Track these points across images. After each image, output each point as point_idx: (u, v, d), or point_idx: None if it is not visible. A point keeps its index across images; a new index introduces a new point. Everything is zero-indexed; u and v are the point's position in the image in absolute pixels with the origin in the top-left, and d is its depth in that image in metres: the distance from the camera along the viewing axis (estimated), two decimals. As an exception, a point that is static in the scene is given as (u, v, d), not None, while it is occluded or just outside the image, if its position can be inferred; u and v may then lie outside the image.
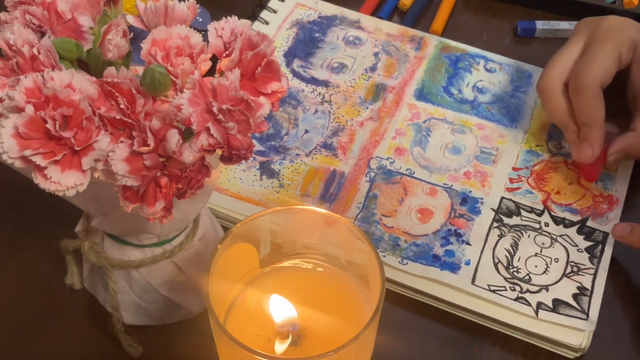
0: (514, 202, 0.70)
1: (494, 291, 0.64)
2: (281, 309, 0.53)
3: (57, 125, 0.42)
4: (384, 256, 0.66)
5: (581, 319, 0.63)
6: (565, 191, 0.71)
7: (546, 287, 0.64)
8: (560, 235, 0.68)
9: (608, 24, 0.70)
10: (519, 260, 0.66)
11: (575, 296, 0.64)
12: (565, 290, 0.64)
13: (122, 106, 0.44)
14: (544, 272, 0.66)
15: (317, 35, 0.83)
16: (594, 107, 0.67)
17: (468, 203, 0.70)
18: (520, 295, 0.64)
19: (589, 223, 0.69)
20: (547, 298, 0.64)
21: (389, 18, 0.87)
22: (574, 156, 0.70)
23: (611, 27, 0.70)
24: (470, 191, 0.71)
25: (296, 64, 0.80)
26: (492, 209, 0.70)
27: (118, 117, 0.43)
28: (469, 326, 0.64)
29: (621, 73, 0.70)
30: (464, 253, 0.66)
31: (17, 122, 0.42)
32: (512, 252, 0.67)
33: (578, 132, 0.69)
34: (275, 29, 0.83)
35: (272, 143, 0.74)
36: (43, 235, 0.68)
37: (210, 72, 0.47)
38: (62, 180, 0.43)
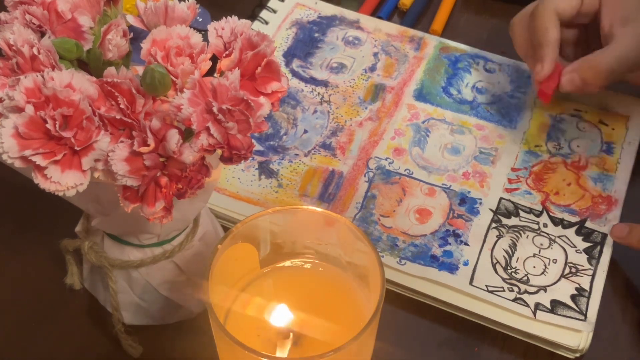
0: (513, 202, 0.70)
1: (492, 292, 0.64)
2: (280, 316, 0.53)
3: (57, 125, 0.42)
4: (382, 256, 0.66)
5: (579, 320, 0.63)
6: (564, 192, 0.71)
7: (544, 288, 0.65)
8: (558, 236, 0.68)
9: None
10: (517, 261, 0.66)
11: (573, 297, 0.64)
12: (564, 291, 0.64)
13: (122, 106, 0.44)
14: (542, 272, 0.66)
15: (316, 35, 0.83)
16: (545, 27, 0.70)
17: (467, 203, 0.70)
18: (518, 296, 0.64)
19: (588, 224, 0.69)
20: (545, 299, 0.64)
21: (389, 18, 0.87)
22: (532, 77, 0.73)
23: None
24: (469, 192, 0.71)
25: (295, 63, 0.80)
26: (491, 210, 0.70)
27: (118, 117, 0.43)
28: (468, 326, 0.64)
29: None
30: (462, 253, 0.66)
31: (17, 122, 0.42)
32: (511, 253, 0.67)
33: (535, 56, 0.72)
34: (275, 28, 0.83)
35: (271, 143, 0.74)
36: (43, 235, 0.68)
37: (210, 72, 0.47)
38: (62, 180, 0.43)
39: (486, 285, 0.64)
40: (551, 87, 0.70)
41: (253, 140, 0.45)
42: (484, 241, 0.67)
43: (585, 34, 0.74)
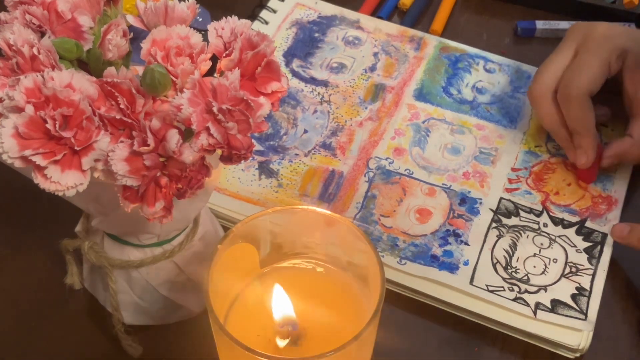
0: (513, 202, 0.70)
1: (492, 291, 0.64)
2: (281, 304, 0.53)
3: (57, 125, 0.42)
4: (383, 256, 0.66)
5: (579, 319, 0.63)
6: (564, 192, 0.71)
7: (545, 288, 0.65)
8: (559, 236, 0.68)
9: (599, 32, 0.71)
10: (517, 261, 0.66)
11: (573, 296, 0.64)
12: (564, 291, 0.64)
13: (122, 106, 0.44)
14: (543, 272, 0.66)
15: (316, 35, 0.83)
16: (583, 116, 0.69)
17: (467, 203, 0.70)
18: (518, 295, 0.64)
19: (588, 224, 0.69)
20: (545, 298, 0.64)
21: (389, 18, 0.87)
22: (571, 159, 0.71)
23: (602, 35, 0.70)
24: (469, 192, 0.71)
25: (295, 63, 0.80)
26: (491, 210, 0.70)
27: (118, 117, 0.43)
28: (468, 326, 0.64)
29: (616, 78, 0.71)
30: (463, 253, 0.66)
31: (17, 122, 0.42)
32: (511, 253, 0.67)
33: (569, 137, 0.71)
34: (275, 28, 0.83)
35: (271, 143, 0.74)
36: (43, 235, 0.68)
37: (210, 72, 0.47)
38: (62, 180, 0.43)
39: (486, 285, 0.64)
40: (595, 171, 0.71)
41: (253, 140, 0.45)
42: (484, 241, 0.67)
43: None
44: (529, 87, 0.72)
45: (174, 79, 0.45)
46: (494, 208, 0.70)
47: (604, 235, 0.68)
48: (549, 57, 0.72)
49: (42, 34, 0.47)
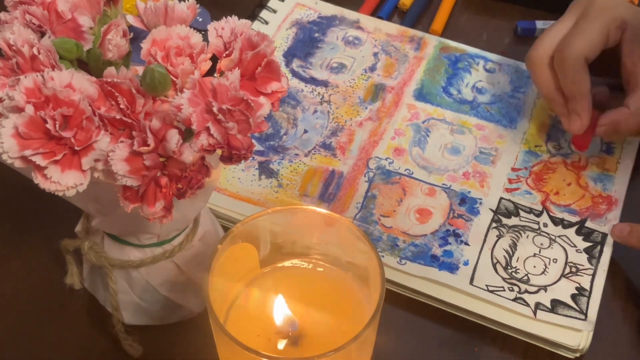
0: (513, 202, 0.70)
1: (492, 291, 0.64)
2: (280, 316, 0.53)
3: (57, 125, 0.42)
4: (383, 256, 0.66)
5: (579, 319, 0.63)
6: (564, 192, 0.71)
7: (544, 288, 0.65)
8: (559, 236, 0.68)
9: (600, 2, 0.71)
10: (517, 261, 0.66)
11: (573, 297, 0.64)
12: (564, 291, 0.64)
13: (122, 106, 0.44)
14: (543, 272, 0.66)
15: (316, 35, 0.83)
16: (578, 80, 0.69)
17: (467, 203, 0.70)
18: (518, 295, 0.64)
19: (588, 224, 0.69)
20: (545, 298, 0.64)
21: (389, 18, 0.87)
22: (565, 126, 0.71)
23: (603, 4, 0.71)
24: (469, 192, 0.71)
25: (295, 63, 0.80)
26: (491, 210, 0.70)
27: (118, 117, 0.43)
28: (468, 326, 0.64)
29: (615, 50, 0.71)
30: (463, 253, 0.66)
31: (17, 122, 0.42)
32: (511, 253, 0.67)
33: (564, 103, 0.71)
34: (275, 28, 0.83)
35: (271, 143, 0.74)
36: (43, 235, 0.68)
37: (210, 72, 0.47)
38: (62, 180, 0.43)
39: (486, 285, 0.64)
40: (588, 138, 0.71)
41: (253, 140, 0.45)
42: (484, 241, 0.67)
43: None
44: (527, 53, 0.73)
45: (174, 79, 0.45)
46: (494, 208, 0.70)
47: (604, 235, 0.68)
48: (550, 26, 0.73)
49: (42, 34, 0.47)
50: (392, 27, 0.84)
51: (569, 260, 0.66)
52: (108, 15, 0.51)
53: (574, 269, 0.66)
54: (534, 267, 0.66)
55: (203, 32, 0.47)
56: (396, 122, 0.76)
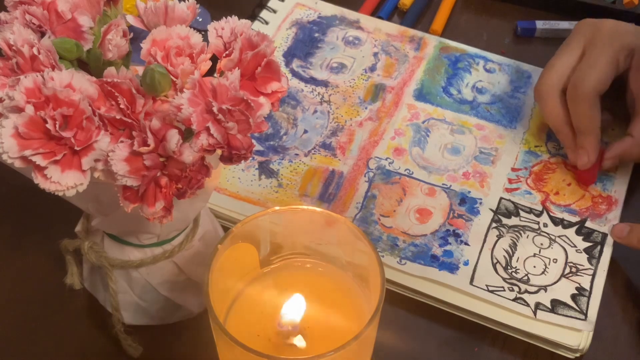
0: (513, 202, 0.70)
1: (492, 291, 0.64)
2: (282, 310, 0.53)
3: (57, 125, 0.42)
4: (383, 256, 0.66)
5: (579, 319, 0.63)
6: (564, 192, 0.71)
7: (545, 288, 0.65)
8: (559, 236, 0.68)
9: (608, 29, 0.70)
10: (517, 261, 0.66)
11: (573, 297, 0.64)
12: (564, 291, 0.64)
13: (122, 106, 0.44)
14: (543, 272, 0.66)
15: (316, 35, 0.83)
16: (590, 116, 0.68)
17: (467, 203, 0.70)
18: (518, 295, 0.64)
19: (588, 224, 0.69)
20: (545, 298, 0.64)
21: (389, 18, 0.87)
22: (571, 160, 0.71)
23: (611, 32, 0.70)
24: (469, 192, 0.71)
25: (295, 63, 0.80)
26: (491, 210, 0.70)
27: (118, 117, 0.43)
28: (468, 326, 0.64)
29: (622, 76, 0.71)
30: (463, 253, 0.66)
31: (17, 122, 0.42)
32: (511, 253, 0.67)
33: (573, 137, 0.70)
34: (275, 28, 0.83)
35: (271, 143, 0.74)
36: (43, 235, 0.68)
37: (210, 72, 0.47)
38: (62, 180, 0.43)
39: (486, 285, 0.64)
40: (594, 173, 0.71)
41: (253, 140, 0.45)
42: (484, 241, 0.67)
43: None
44: (536, 84, 0.72)
45: (174, 79, 0.45)
46: (494, 208, 0.70)
47: (604, 235, 0.68)
48: (556, 54, 0.72)
49: (42, 34, 0.47)
50: (392, 27, 0.84)
51: (569, 260, 0.66)
52: (108, 15, 0.51)
53: (574, 269, 0.66)
54: (534, 267, 0.66)
55: (203, 32, 0.47)
56: (396, 122, 0.76)
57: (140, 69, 0.47)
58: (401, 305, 0.65)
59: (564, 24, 0.85)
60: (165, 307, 0.61)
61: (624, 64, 0.70)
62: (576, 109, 0.69)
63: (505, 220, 0.69)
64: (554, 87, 0.70)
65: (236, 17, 0.48)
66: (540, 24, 0.85)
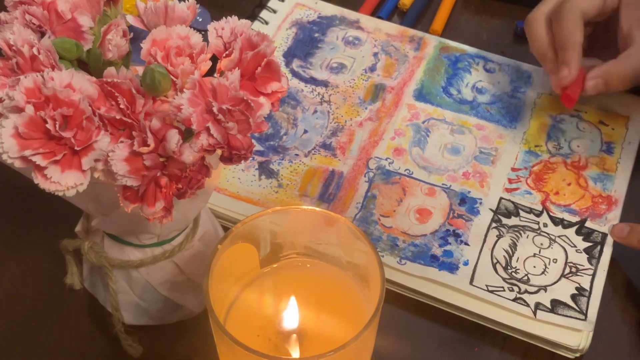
0: (513, 202, 0.70)
1: (492, 291, 0.64)
2: (282, 310, 0.53)
3: (57, 125, 0.42)
4: (383, 256, 0.66)
5: (579, 319, 0.63)
6: (564, 192, 0.71)
7: (544, 288, 0.65)
8: (559, 236, 0.68)
9: None
10: (517, 261, 0.66)
11: (573, 297, 0.64)
12: (564, 291, 0.64)
13: (122, 106, 0.44)
14: (543, 272, 0.66)
15: (316, 35, 0.83)
16: (572, 30, 0.69)
17: (467, 203, 0.70)
18: (518, 295, 0.64)
19: (588, 224, 0.69)
20: (545, 298, 0.64)
21: (389, 18, 0.87)
22: (553, 83, 0.72)
23: None
24: (469, 192, 0.71)
25: (295, 64, 0.80)
26: (491, 210, 0.70)
27: (118, 117, 0.43)
28: (468, 326, 0.64)
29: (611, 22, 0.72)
30: (463, 253, 0.66)
31: (17, 122, 0.42)
32: (511, 253, 0.67)
33: (555, 60, 0.71)
34: (275, 28, 0.83)
35: (271, 143, 0.74)
36: (43, 235, 0.68)
37: (210, 72, 0.47)
38: (62, 180, 0.43)
39: (486, 285, 0.64)
40: (577, 92, 0.71)
41: (253, 140, 0.45)
42: (484, 241, 0.67)
43: (594, 29, 0.74)
44: (527, 16, 0.73)
45: (174, 79, 0.45)
46: (494, 208, 0.70)
47: (604, 235, 0.68)
48: None
49: (42, 34, 0.47)
50: (392, 27, 0.84)
51: (569, 260, 0.66)
52: (108, 15, 0.51)
53: (574, 269, 0.66)
54: (534, 267, 0.66)
55: (203, 32, 0.47)
56: (396, 122, 0.76)
57: (140, 69, 0.47)
58: (401, 305, 0.65)
59: (564, 24, 0.85)
60: (165, 307, 0.61)
61: (611, 1, 0.71)
62: (559, 25, 0.70)
63: (505, 220, 0.69)
64: (543, 13, 0.72)
65: (236, 17, 0.48)
66: (540, 24, 0.85)
